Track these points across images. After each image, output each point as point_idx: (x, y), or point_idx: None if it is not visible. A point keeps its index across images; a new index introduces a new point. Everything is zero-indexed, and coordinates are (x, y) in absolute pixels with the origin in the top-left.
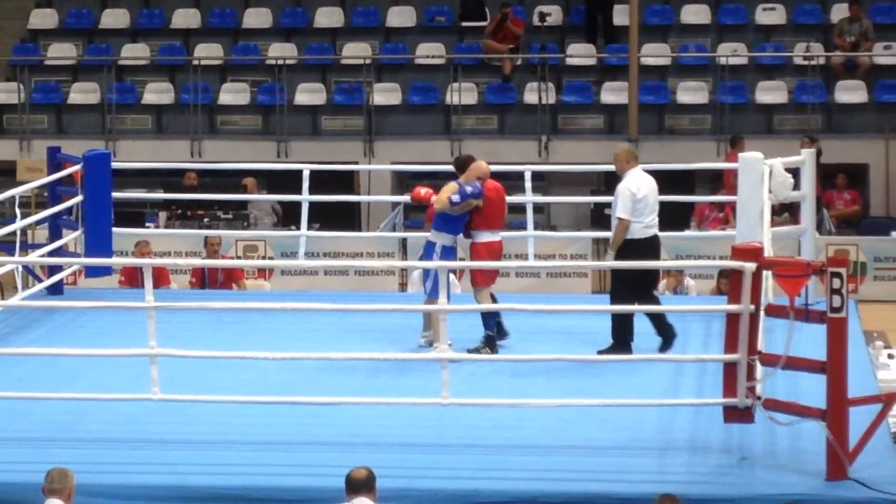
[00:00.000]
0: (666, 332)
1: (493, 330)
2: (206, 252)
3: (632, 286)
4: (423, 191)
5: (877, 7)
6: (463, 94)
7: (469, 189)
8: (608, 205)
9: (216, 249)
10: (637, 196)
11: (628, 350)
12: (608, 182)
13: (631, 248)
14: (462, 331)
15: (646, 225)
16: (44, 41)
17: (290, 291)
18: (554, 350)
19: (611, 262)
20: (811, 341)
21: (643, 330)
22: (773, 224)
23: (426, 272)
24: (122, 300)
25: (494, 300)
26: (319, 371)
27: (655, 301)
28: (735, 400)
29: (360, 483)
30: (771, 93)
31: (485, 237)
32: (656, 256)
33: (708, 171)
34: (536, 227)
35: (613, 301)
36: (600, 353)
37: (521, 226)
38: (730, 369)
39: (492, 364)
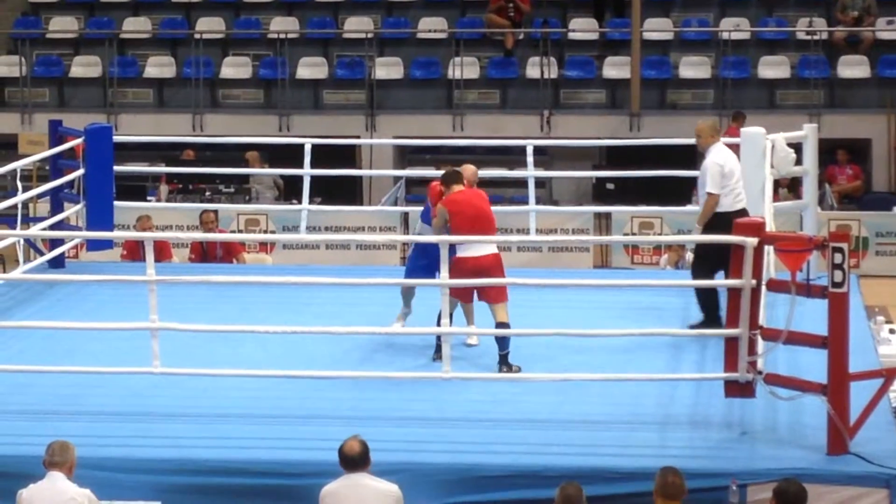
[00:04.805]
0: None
1: (508, 349)
2: (202, 229)
3: (712, 259)
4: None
5: None
6: (465, 68)
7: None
8: (610, 179)
9: (211, 228)
10: (724, 170)
11: (718, 323)
12: (610, 157)
13: (724, 221)
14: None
15: (735, 198)
16: (45, 14)
17: (291, 265)
18: (557, 324)
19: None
20: (812, 316)
21: (656, 304)
22: (775, 199)
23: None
24: (123, 274)
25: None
26: (320, 345)
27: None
28: (736, 374)
29: (355, 458)
30: (773, 68)
31: (457, 252)
32: None
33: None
34: (538, 202)
35: (695, 275)
36: (691, 327)
37: (523, 200)
38: (731, 344)
39: (492, 339)
